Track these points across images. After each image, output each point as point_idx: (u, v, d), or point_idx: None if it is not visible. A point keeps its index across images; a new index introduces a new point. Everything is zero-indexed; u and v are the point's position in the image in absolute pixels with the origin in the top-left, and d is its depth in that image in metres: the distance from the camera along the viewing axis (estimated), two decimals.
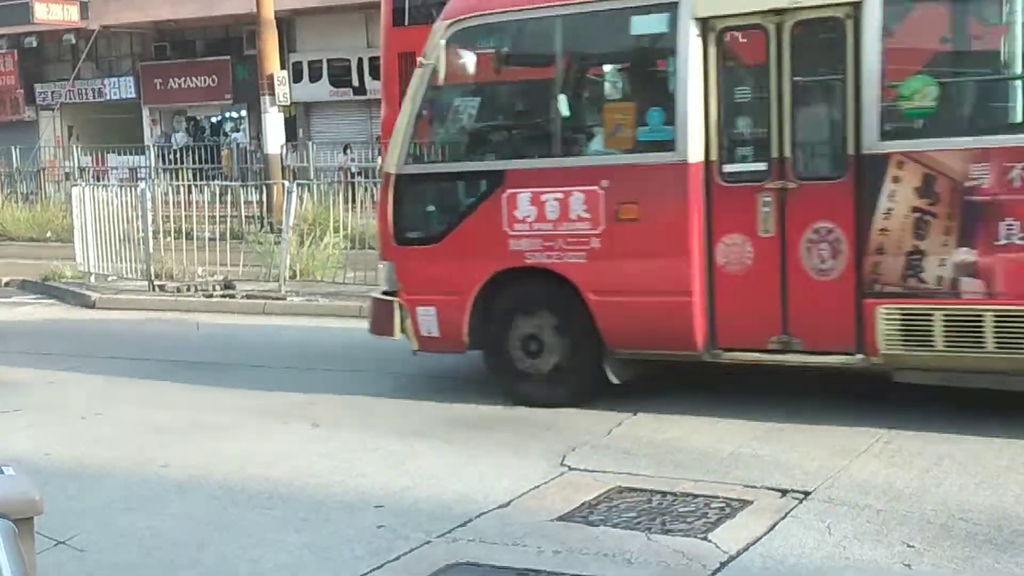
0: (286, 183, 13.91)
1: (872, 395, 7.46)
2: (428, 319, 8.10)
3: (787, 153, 7.09)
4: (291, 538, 5.51)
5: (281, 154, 19.65)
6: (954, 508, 5.54)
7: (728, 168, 7.27)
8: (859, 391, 7.61)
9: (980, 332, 6.59)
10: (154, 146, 30.58)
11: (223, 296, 13.31)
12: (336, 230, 14.26)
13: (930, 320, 6.70)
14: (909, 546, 5.10)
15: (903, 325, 6.78)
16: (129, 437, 7.59)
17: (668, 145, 7.34)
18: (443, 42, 7.97)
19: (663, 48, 7.69)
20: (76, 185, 15.29)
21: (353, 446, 7.15)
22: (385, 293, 8.30)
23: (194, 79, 34.90)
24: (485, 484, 6.19)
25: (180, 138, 34.15)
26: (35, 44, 36.12)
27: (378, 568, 5.11)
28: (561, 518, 5.65)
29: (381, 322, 8.33)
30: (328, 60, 30.45)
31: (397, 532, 5.50)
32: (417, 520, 5.65)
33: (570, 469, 6.45)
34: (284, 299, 12.94)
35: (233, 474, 6.59)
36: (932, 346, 6.72)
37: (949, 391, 7.02)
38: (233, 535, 5.59)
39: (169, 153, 28.37)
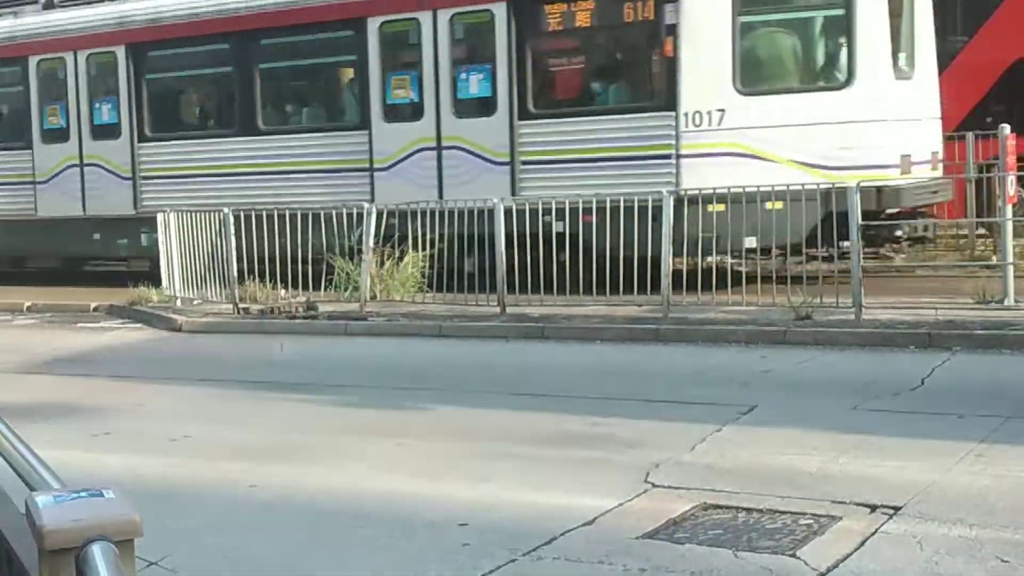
0: (366, 204, 14.03)
1: (963, 408, 7.34)
2: None
3: None
4: (378, 557, 5.55)
5: None
6: None
7: None
8: (948, 404, 7.48)
9: None
10: None
11: (306, 318, 13.46)
12: (416, 249, 14.35)
13: None
14: (1003, 561, 5.00)
15: None
16: (217, 458, 7.70)
17: None
18: None
19: None
20: (162, 211, 15.57)
21: (437, 463, 7.19)
22: None
23: None
24: (569, 501, 6.18)
25: None
26: None
27: None
28: (646, 535, 5.62)
29: None
30: None
31: (482, 550, 5.52)
32: (502, 538, 5.65)
33: (654, 486, 6.42)
34: (366, 319, 13.06)
35: (320, 493, 6.66)
36: None
37: None
38: (321, 555, 5.65)
39: None
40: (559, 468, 6.92)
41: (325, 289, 14.37)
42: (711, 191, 12.07)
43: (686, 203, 12.16)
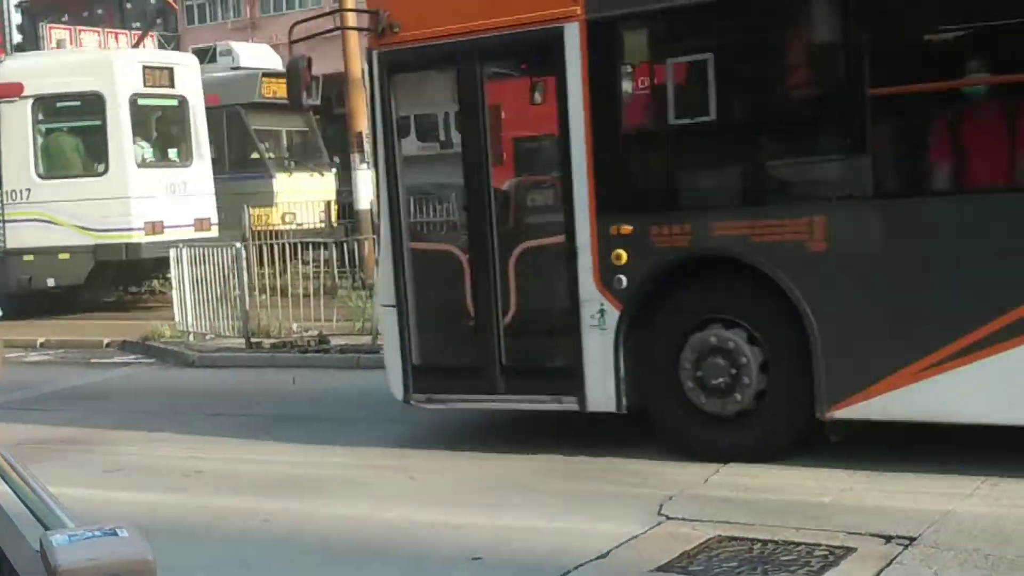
0: (375, 237, 14.07)
1: (976, 440, 7.29)
2: None
3: None
4: None
5: (371, 210, 19.89)
6: None
7: None
8: (963, 437, 7.45)
9: None
10: None
11: (318, 351, 13.47)
12: None
13: None
14: None
15: None
16: (230, 493, 7.70)
17: None
18: None
19: None
20: (175, 246, 15.64)
21: (448, 498, 7.18)
22: None
23: None
24: (581, 535, 6.16)
25: None
26: None
27: None
28: (661, 568, 5.59)
29: None
30: (415, 116, 30.81)
31: None
32: (514, 572, 5.64)
33: (668, 518, 6.39)
34: (377, 352, 13.04)
35: (333, 528, 6.65)
36: None
37: None
38: None
39: None
40: (571, 500, 6.90)
41: (338, 321, 14.38)
42: (25, 247, 18.13)
43: (10, 255, 18.31)
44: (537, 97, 8.78)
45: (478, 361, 8.02)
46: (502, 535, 6.28)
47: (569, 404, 7.77)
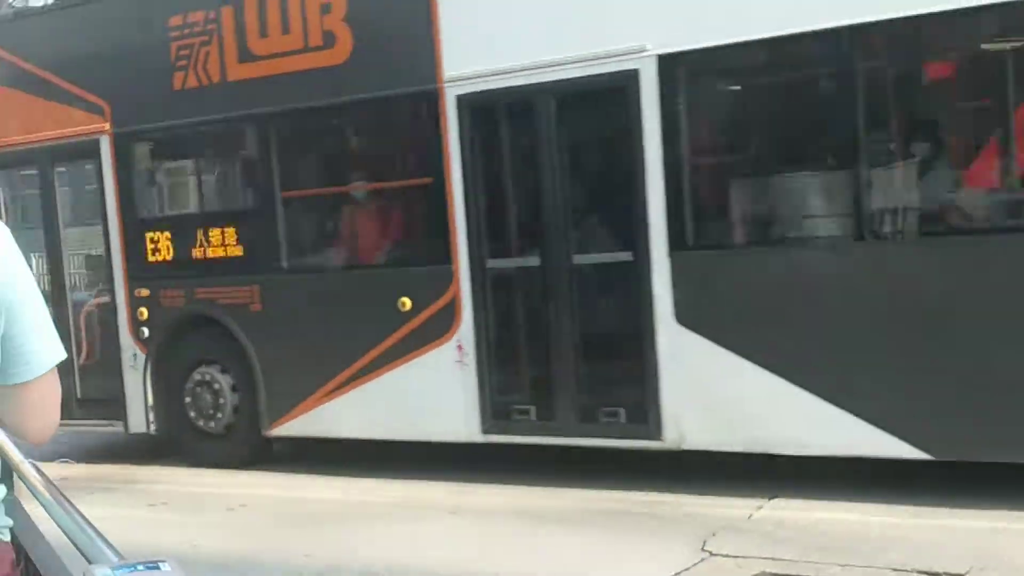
0: None
1: (1020, 475, 7.19)
2: None
3: None
4: None
5: None
6: None
7: None
8: (1005, 471, 7.34)
9: None
10: None
11: None
12: None
13: None
14: None
15: None
16: (272, 527, 7.72)
17: None
18: None
19: None
20: None
21: (493, 533, 7.15)
22: None
23: None
24: (626, 570, 6.12)
25: None
26: None
27: None
28: None
29: None
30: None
31: None
32: None
33: (712, 554, 6.34)
34: None
35: (375, 563, 6.64)
36: None
37: None
38: None
39: None
40: (615, 536, 6.86)
41: None
42: None
43: None
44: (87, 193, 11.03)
45: (65, 394, 9.15)
46: (548, 571, 6.25)
47: (118, 427, 10.23)
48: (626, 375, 7.96)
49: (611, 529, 7.04)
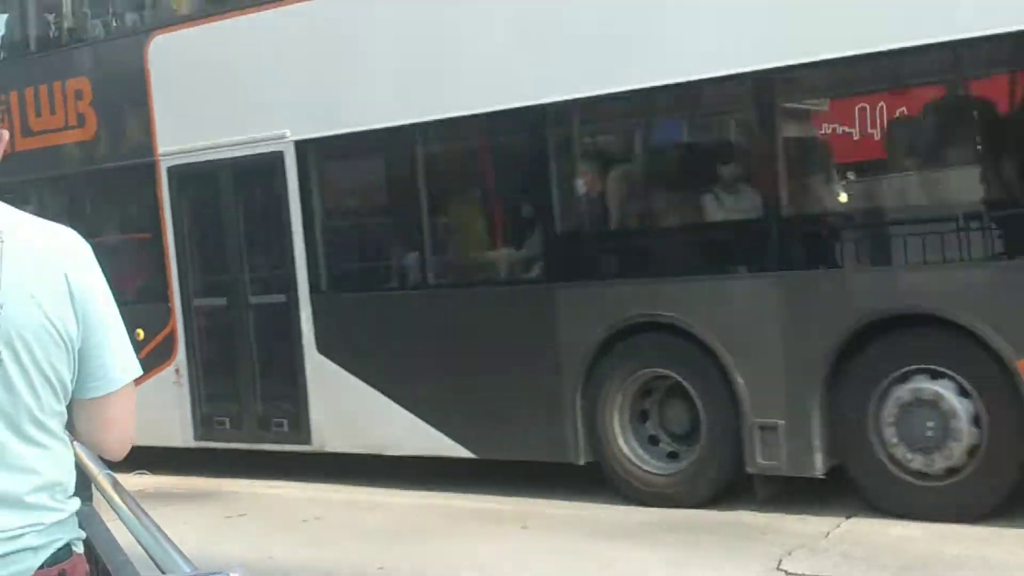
0: None
1: None
2: None
3: None
4: None
5: None
6: None
7: None
8: None
9: None
10: None
11: None
12: None
13: None
14: None
15: None
16: (346, 540, 7.78)
17: None
18: None
19: None
20: None
21: (563, 548, 7.14)
22: None
23: None
24: None
25: None
26: None
27: None
28: None
29: None
30: None
31: None
32: None
33: (787, 573, 6.27)
34: None
35: None
36: None
37: None
38: None
39: None
40: (687, 554, 6.82)
41: None
42: None
43: None
44: None
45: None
46: None
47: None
48: (287, 393, 9.72)
49: (681, 546, 6.99)
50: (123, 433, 2.25)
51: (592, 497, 8.37)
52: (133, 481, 9.25)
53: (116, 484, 2.61)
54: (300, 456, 9.80)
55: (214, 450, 10.37)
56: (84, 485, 2.31)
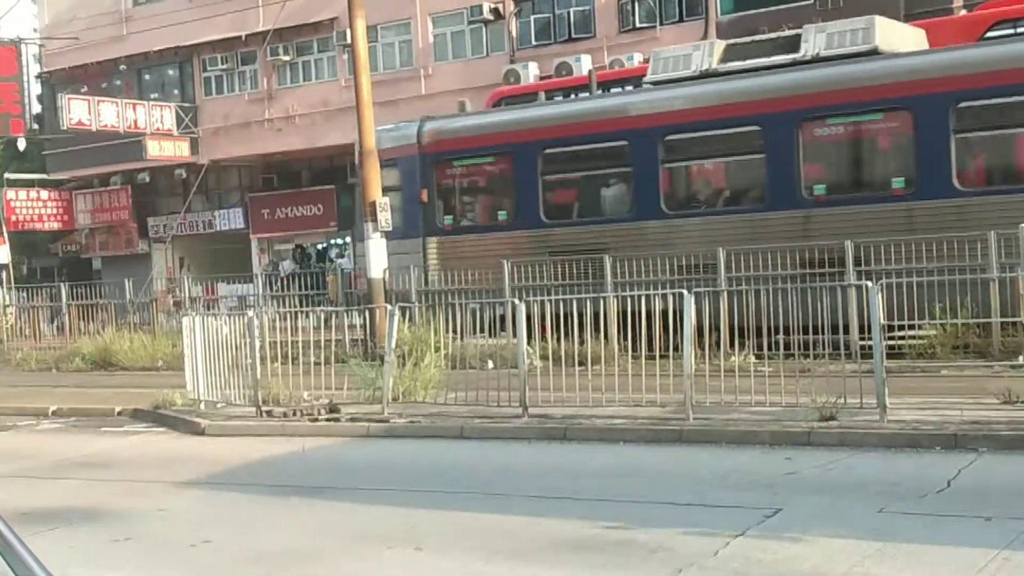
0: (388, 306, 14.12)
1: (990, 510, 7.23)
2: None
3: None
4: None
5: (384, 278, 19.96)
6: None
7: None
8: (975, 507, 7.38)
9: None
10: (262, 274, 31.32)
11: (328, 420, 13.44)
12: (436, 350, 14.38)
13: None
14: None
15: None
16: (236, 564, 7.64)
17: None
18: None
19: None
20: (187, 315, 15.67)
21: (457, 571, 7.11)
22: None
23: (300, 208, 35.96)
24: None
25: (287, 266, 35.11)
26: (148, 180, 37.63)
27: None
28: None
29: None
30: None
31: None
32: None
33: None
34: (387, 421, 13.02)
35: None
36: None
37: None
38: None
39: (276, 281, 29.03)
40: (583, 574, 6.83)
41: (348, 389, 14.38)
42: None
43: None
44: None
45: None
46: None
47: None
48: None
49: (577, 565, 6.98)
50: None
51: (484, 515, 8.35)
52: (10, 503, 8.97)
53: None
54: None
55: (104, 469, 10.09)
56: None
